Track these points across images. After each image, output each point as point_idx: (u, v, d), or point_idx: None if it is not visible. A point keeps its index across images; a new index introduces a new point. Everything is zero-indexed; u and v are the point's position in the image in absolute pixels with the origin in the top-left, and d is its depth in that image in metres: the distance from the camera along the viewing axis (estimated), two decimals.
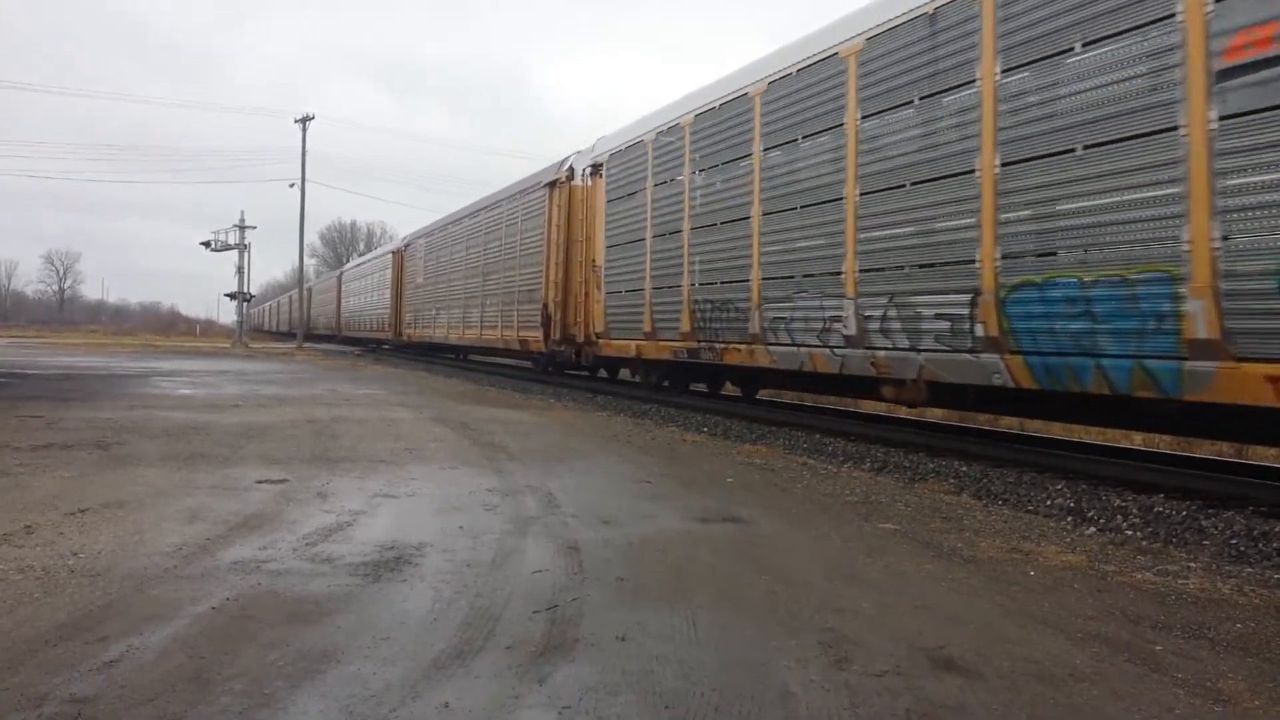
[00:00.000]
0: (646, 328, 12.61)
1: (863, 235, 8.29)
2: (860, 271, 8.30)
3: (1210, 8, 5.32)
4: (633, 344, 13.22)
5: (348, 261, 68.00)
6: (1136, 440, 9.56)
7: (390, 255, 33.12)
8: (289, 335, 56.65)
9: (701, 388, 14.20)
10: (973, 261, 7.01)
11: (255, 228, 43.96)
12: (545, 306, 16.75)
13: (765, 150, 9.90)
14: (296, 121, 41.98)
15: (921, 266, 7.57)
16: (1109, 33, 5.95)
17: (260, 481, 5.88)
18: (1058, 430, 10.04)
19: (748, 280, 10.12)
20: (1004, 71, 6.75)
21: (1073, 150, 6.20)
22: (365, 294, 38.24)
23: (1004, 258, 6.74)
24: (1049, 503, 6.06)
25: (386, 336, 33.21)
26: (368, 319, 37.38)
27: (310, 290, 52.88)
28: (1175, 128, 5.52)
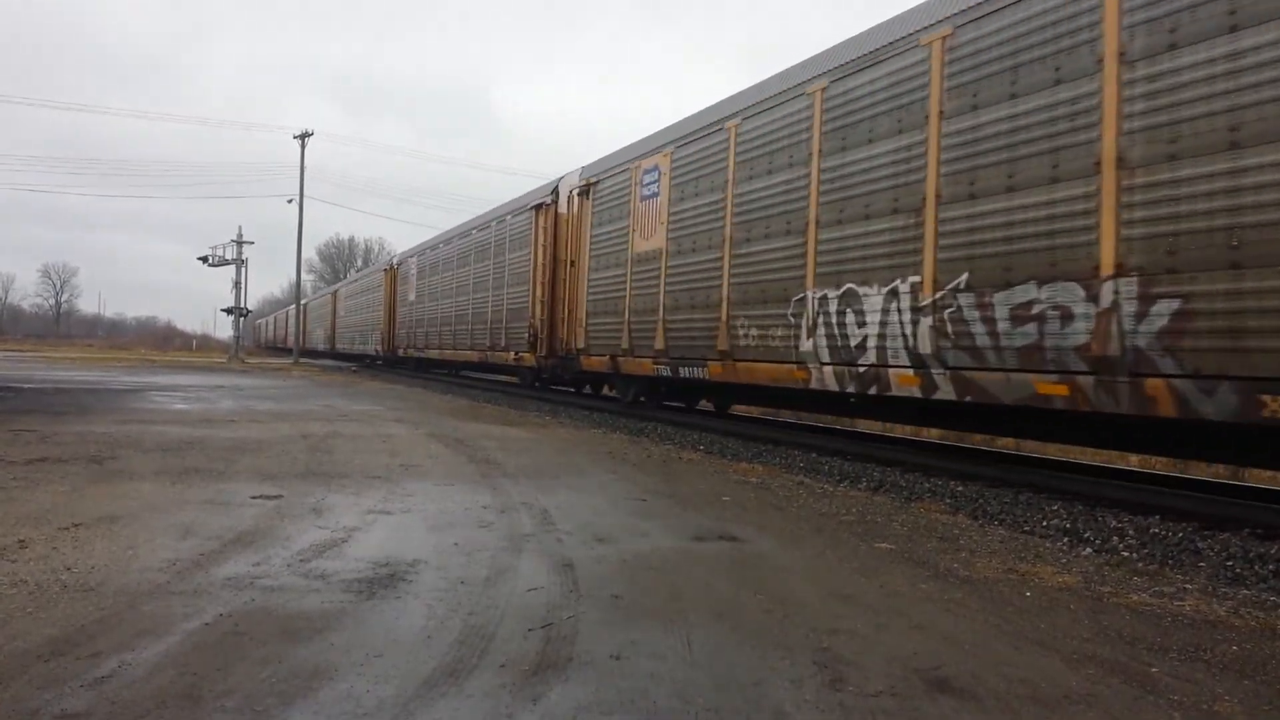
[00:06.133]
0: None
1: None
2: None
3: None
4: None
5: (344, 277, 68.10)
6: (1133, 461, 9.57)
7: (383, 273, 33.30)
8: (284, 350, 56.61)
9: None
10: None
11: (253, 243, 44.10)
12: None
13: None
14: (295, 137, 42.22)
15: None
16: None
17: (254, 497, 5.86)
18: (1053, 451, 10.05)
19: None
20: None
21: None
22: (360, 310, 38.36)
23: None
24: (1045, 523, 6.04)
25: (381, 352, 33.25)
26: (362, 335, 37.47)
27: (306, 306, 52.91)
28: None
